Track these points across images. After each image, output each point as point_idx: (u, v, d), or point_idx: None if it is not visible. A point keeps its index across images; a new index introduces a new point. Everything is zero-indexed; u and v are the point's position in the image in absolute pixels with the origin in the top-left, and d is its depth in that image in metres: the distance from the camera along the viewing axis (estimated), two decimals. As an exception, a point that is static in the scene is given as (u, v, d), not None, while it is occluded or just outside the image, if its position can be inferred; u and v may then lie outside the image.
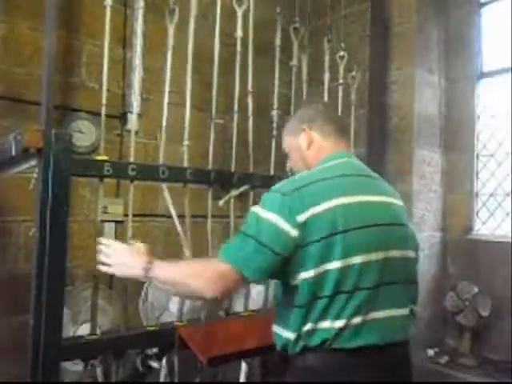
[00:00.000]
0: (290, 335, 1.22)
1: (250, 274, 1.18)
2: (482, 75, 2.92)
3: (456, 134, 2.95)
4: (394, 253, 1.26)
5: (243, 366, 2.03)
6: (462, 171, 2.93)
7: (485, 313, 2.52)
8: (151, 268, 1.28)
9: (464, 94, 2.94)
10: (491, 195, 2.84)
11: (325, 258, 1.17)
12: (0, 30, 2.21)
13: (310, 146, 1.42)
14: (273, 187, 1.27)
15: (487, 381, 2.37)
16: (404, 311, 1.27)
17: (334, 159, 1.37)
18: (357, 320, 1.17)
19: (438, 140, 2.94)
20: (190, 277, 1.24)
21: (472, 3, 2.94)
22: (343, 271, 1.16)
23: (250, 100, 2.03)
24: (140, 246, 1.36)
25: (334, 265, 1.16)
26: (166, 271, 1.29)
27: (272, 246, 1.16)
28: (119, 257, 1.36)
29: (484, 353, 2.63)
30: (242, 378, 2.04)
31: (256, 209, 1.23)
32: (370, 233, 1.22)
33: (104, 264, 1.37)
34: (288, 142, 1.50)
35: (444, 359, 2.60)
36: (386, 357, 1.21)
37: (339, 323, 1.16)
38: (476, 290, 2.57)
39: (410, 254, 1.32)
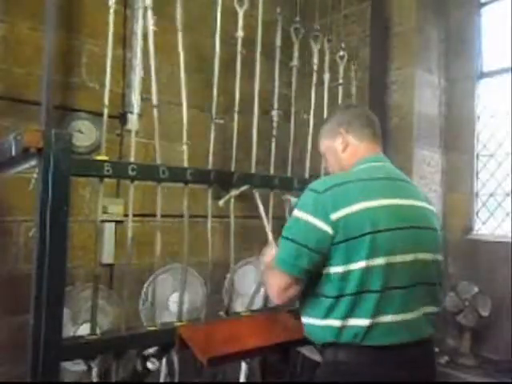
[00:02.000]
0: (319, 323, 1.28)
1: (297, 274, 1.26)
2: (482, 75, 2.92)
3: (456, 134, 2.95)
4: (424, 255, 1.32)
5: (243, 365, 2.03)
6: (462, 171, 2.93)
7: (485, 313, 2.52)
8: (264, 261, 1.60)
9: (464, 94, 2.94)
10: (491, 195, 2.84)
11: (352, 257, 1.22)
12: (0, 30, 2.21)
13: (345, 148, 1.48)
14: (309, 185, 1.33)
15: (487, 381, 2.37)
16: (428, 310, 1.33)
17: (369, 162, 1.43)
18: (385, 319, 1.22)
19: (438, 140, 2.94)
20: (267, 286, 1.49)
21: (472, 3, 2.94)
22: (368, 271, 1.21)
23: (256, 100, 2.04)
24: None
25: (360, 265, 1.21)
26: (264, 269, 1.56)
27: (310, 245, 1.24)
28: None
29: (484, 353, 2.63)
30: (242, 378, 2.04)
31: (295, 211, 1.31)
32: (398, 235, 1.26)
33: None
34: (325, 144, 1.57)
35: (444, 359, 2.60)
36: (411, 354, 1.27)
37: (366, 322, 1.21)
38: (476, 289, 2.57)
39: (438, 257, 1.38)
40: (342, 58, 2.47)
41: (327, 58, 2.39)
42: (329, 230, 1.22)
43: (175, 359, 1.89)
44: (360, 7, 3.07)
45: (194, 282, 1.97)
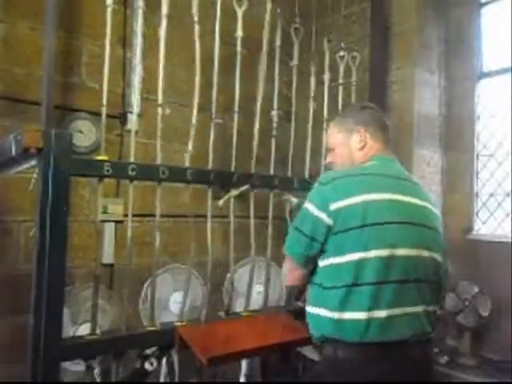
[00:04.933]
0: (316, 311, 1.31)
1: (298, 260, 1.36)
2: (482, 75, 2.92)
3: (456, 134, 2.95)
4: (422, 252, 1.32)
5: (243, 365, 2.04)
6: (462, 171, 2.93)
7: (485, 313, 2.52)
8: None
9: (464, 94, 2.94)
10: (491, 195, 2.84)
11: (349, 248, 1.25)
12: (0, 30, 2.21)
13: (363, 147, 1.51)
14: (319, 177, 1.41)
15: (487, 381, 2.37)
16: (428, 308, 1.33)
17: (378, 160, 1.46)
18: (381, 314, 1.22)
19: (437, 140, 2.94)
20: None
21: (472, 3, 2.94)
22: (364, 263, 1.23)
23: (258, 100, 2.05)
24: None
25: (356, 256, 1.23)
26: None
27: (311, 234, 1.31)
28: None
29: (484, 353, 2.63)
30: (242, 378, 2.04)
31: (306, 202, 1.38)
32: (397, 229, 1.28)
33: None
34: (338, 139, 1.56)
35: (444, 359, 2.59)
36: (411, 352, 1.27)
37: (361, 315, 1.22)
38: (476, 289, 2.57)
39: (437, 256, 1.37)
40: (341, 58, 2.47)
41: (327, 58, 2.40)
42: (328, 220, 1.27)
43: (175, 359, 1.89)
44: (360, 7, 3.06)
45: (194, 282, 1.97)
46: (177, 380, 1.93)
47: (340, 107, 2.44)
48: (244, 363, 2.08)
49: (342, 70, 2.46)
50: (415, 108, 2.79)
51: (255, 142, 2.05)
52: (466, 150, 2.92)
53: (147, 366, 1.70)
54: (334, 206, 1.27)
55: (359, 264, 1.23)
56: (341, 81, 2.46)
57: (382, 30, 2.81)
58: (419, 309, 1.29)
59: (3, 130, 2.06)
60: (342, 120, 1.59)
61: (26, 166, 1.58)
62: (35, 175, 1.45)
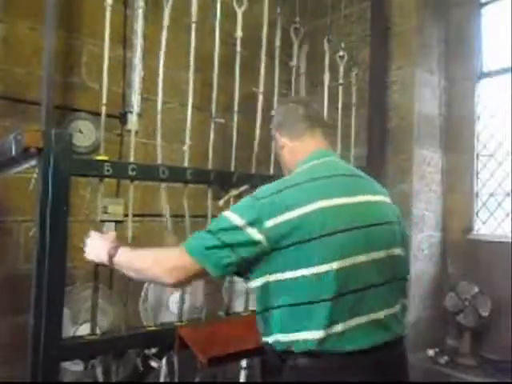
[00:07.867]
0: (272, 339, 1.21)
1: (211, 269, 1.19)
2: (482, 75, 2.92)
3: (456, 134, 2.95)
4: (379, 254, 1.23)
5: (243, 365, 2.03)
6: (462, 171, 2.93)
7: (485, 313, 2.53)
8: (115, 254, 1.34)
9: (464, 94, 2.94)
10: (491, 195, 2.84)
11: (298, 264, 1.14)
12: (0, 30, 2.21)
13: (283, 150, 1.42)
14: (256, 191, 1.27)
15: (487, 381, 2.37)
16: (392, 310, 1.24)
17: (313, 160, 1.33)
18: (340, 327, 1.14)
19: (437, 140, 2.94)
20: (152, 264, 1.27)
21: (472, 3, 2.94)
22: (319, 278, 1.13)
23: (259, 100, 2.04)
24: (111, 234, 1.50)
25: (309, 271, 1.14)
26: (128, 257, 1.34)
27: (232, 246, 1.17)
28: (92, 243, 1.47)
29: (484, 353, 2.63)
30: (242, 378, 2.04)
31: (226, 212, 1.24)
32: (349, 237, 1.18)
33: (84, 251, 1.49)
34: (273, 148, 1.52)
35: (444, 359, 2.60)
36: (376, 358, 1.18)
37: (319, 334, 1.13)
38: (476, 289, 2.57)
39: (398, 251, 1.29)
40: (341, 57, 2.47)
41: (327, 58, 2.39)
42: (257, 235, 1.16)
43: (175, 359, 1.89)
44: (360, 7, 3.06)
45: (194, 281, 1.97)
46: (177, 380, 1.93)
47: (340, 107, 2.45)
48: (244, 363, 2.08)
49: (341, 69, 2.46)
50: (415, 108, 2.79)
51: (255, 142, 2.05)
52: (465, 150, 2.92)
53: (153, 364, 1.70)
54: (270, 223, 1.15)
55: (311, 280, 1.13)
56: (341, 81, 2.46)
57: (382, 30, 2.81)
58: (381, 315, 1.20)
59: (3, 130, 2.06)
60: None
61: (26, 166, 1.58)
62: (35, 175, 1.46)
